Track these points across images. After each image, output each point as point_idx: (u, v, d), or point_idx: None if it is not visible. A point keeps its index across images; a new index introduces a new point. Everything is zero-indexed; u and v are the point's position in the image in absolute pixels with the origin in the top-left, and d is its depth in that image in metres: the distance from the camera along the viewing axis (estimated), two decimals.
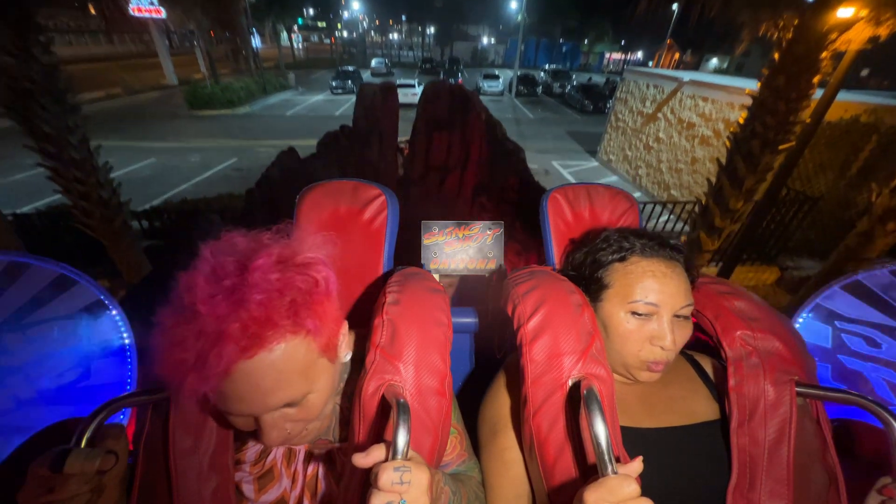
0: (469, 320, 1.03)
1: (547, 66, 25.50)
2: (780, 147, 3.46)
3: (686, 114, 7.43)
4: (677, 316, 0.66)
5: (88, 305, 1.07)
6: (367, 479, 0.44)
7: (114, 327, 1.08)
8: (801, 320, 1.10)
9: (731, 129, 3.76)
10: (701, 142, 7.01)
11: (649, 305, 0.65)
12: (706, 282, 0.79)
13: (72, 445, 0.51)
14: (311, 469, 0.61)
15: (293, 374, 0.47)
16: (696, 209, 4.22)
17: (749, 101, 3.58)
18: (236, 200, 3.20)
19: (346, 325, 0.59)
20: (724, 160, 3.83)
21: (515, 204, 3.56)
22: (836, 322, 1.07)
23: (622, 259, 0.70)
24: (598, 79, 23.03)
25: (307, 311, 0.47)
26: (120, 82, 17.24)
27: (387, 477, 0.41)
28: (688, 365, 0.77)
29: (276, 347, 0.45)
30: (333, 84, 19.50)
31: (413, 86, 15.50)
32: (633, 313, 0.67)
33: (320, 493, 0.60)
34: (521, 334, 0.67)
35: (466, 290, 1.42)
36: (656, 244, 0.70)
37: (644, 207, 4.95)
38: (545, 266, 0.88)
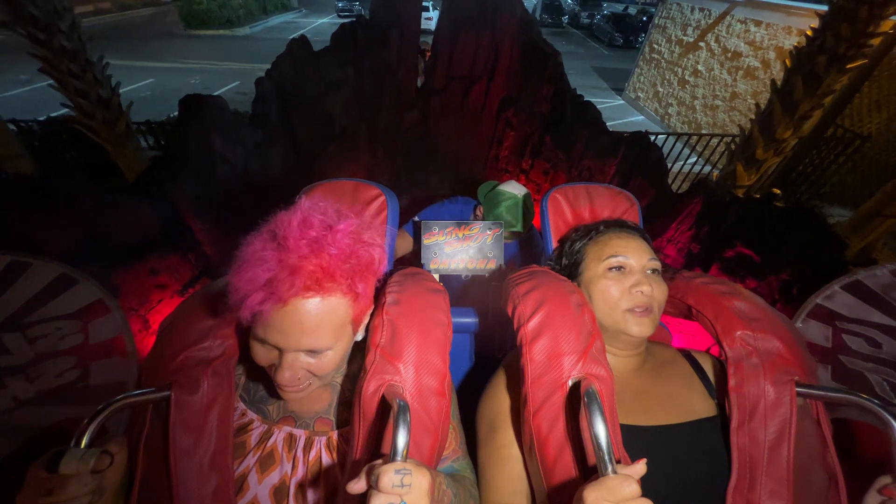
0: (469, 320, 1.03)
1: None
2: (849, 66, 3.03)
3: (733, 41, 6.78)
4: (650, 270, 0.74)
5: (88, 305, 1.07)
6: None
7: (114, 327, 1.08)
8: (801, 320, 1.10)
9: (786, 56, 3.33)
10: (745, 74, 6.45)
11: (620, 259, 0.75)
12: (706, 282, 0.79)
13: (72, 446, 0.51)
14: (312, 455, 0.62)
15: (329, 326, 0.55)
16: (734, 142, 3.79)
17: (813, 23, 3.14)
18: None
19: (371, 309, 0.65)
20: (766, 98, 3.34)
21: (546, 116, 3.12)
22: (836, 322, 1.07)
23: (591, 238, 0.82)
24: (632, 10, 19.23)
25: (360, 278, 0.56)
26: None
27: (388, 479, 0.41)
28: (685, 362, 0.77)
29: (328, 298, 0.53)
30: (339, 5, 17.40)
31: (427, 9, 12.83)
32: (609, 269, 0.75)
33: (323, 478, 0.61)
34: (522, 334, 0.67)
35: (466, 291, 1.43)
36: (616, 224, 0.83)
37: (675, 143, 4.18)
38: (545, 266, 0.88)
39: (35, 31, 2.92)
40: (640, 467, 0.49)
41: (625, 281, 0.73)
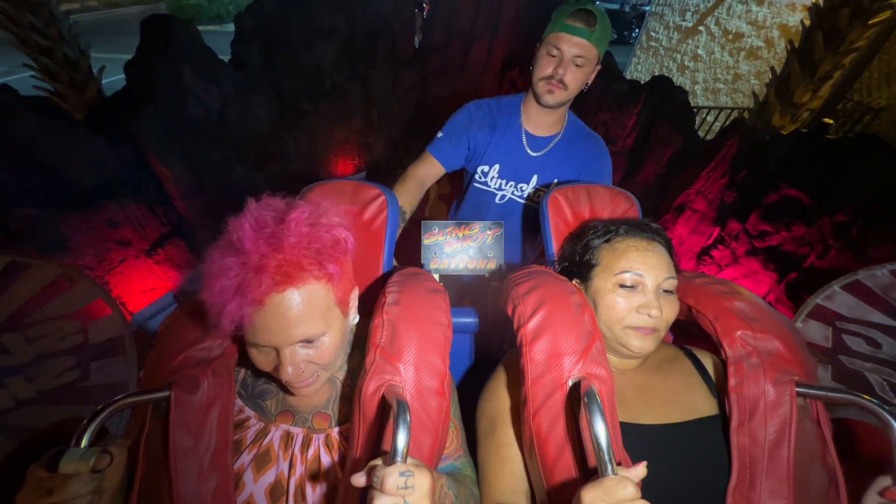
0: (469, 320, 1.03)
1: None
2: (871, 21, 2.83)
3: (734, 23, 6.72)
4: (663, 290, 0.70)
5: (88, 305, 1.07)
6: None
7: (114, 327, 1.08)
8: (801, 320, 1.10)
9: (790, 33, 3.21)
10: (748, 55, 6.44)
11: (634, 276, 0.70)
12: (706, 282, 0.79)
13: (72, 446, 0.51)
14: (311, 453, 0.62)
15: (314, 313, 0.55)
16: (747, 113, 3.53)
17: None
18: None
19: (357, 290, 0.66)
20: (768, 79, 3.22)
21: None
22: (836, 322, 1.07)
23: (608, 240, 0.77)
24: (626, 7, 19.92)
25: (329, 259, 0.55)
26: None
27: (392, 481, 0.41)
28: (687, 360, 0.77)
29: (303, 287, 0.53)
30: None
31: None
32: (621, 286, 0.71)
33: (322, 477, 0.61)
34: (521, 334, 0.67)
35: (466, 291, 1.42)
36: (637, 227, 0.77)
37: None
38: (546, 267, 0.88)
39: None
40: (640, 470, 0.49)
41: (634, 299, 0.70)
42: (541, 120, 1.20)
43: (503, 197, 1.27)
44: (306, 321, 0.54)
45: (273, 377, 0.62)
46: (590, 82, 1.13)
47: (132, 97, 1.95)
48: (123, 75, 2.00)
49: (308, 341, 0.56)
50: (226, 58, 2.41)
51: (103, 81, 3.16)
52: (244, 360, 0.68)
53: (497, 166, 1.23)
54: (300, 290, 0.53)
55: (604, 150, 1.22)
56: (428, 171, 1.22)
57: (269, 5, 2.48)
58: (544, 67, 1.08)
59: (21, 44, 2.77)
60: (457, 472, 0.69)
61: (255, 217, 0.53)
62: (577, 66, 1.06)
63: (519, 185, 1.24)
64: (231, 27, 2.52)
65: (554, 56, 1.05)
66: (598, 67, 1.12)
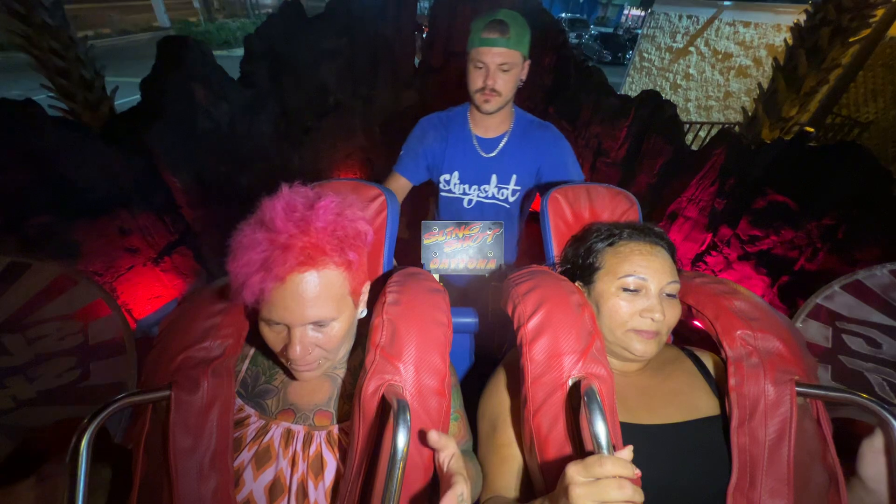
0: (469, 320, 1.03)
1: (563, 15, 21.87)
2: (852, 39, 3.04)
3: (723, 43, 7.03)
4: (666, 294, 0.70)
5: (88, 305, 1.07)
6: (368, 474, 0.45)
7: (114, 327, 1.08)
8: (800, 320, 1.10)
9: (777, 52, 3.40)
10: (737, 73, 6.71)
11: (638, 280, 0.70)
12: (706, 282, 0.80)
13: (71, 445, 0.51)
14: (312, 450, 0.63)
15: (328, 297, 0.57)
16: (738, 127, 3.70)
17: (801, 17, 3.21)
18: None
19: (369, 283, 0.69)
20: (756, 96, 3.41)
21: (549, 87, 3.00)
22: (836, 322, 1.07)
23: (611, 244, 0.76)
24: (620, 30, 20.22)
25: (350, 247, 0.58)
26: (108, 22, 16.38)
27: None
28: (688, 360, 0.77)
29: (323, 271, 0.56)
30: None
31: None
32: (624, 289, 0.71)
33: (324, 474, 0.61)
34: (522, 334, 0.67)
35: (466, 291, 1.42)
36: (641, 231, 0.77)
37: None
38: (545, 266, 0.89)
39: (14, 2, 2.71)
40: (626, 453, 0.50)
41: (637, 303, 0.70)
42: (487, 123, 1.27)
43: (470, 201, 1.33)
44: (321, 304, 0.56)
45: (276, 366, 0.64)
46: (523, 78, 1.19)
47: (146, 112, 2.05)
48: (134, 97, 2.14)
49: (319, 324, 0.58)
50: (235, 78, 2.58)
51: (116, 103, 3.30)
52: (247, 356, 0.69)
53: (456, 173, 1.30)
54: (320, 272, 0.55)
55: (558, 135, 1.27)
56: (395, 186, 1.30)
57: (276, 28, 2.63)
58: (475, 81, 1.16)
59: (41, 65, 2.96)
60: (465, 451, 0.72)
61: (287, 201, 0.56)
62: (503, 72, 1.13)
63: (482, 188, 1.31)
64: (238, 52, 2.63)
65: (480, 68, 1.14)
66: (528, 62, 1.17)
